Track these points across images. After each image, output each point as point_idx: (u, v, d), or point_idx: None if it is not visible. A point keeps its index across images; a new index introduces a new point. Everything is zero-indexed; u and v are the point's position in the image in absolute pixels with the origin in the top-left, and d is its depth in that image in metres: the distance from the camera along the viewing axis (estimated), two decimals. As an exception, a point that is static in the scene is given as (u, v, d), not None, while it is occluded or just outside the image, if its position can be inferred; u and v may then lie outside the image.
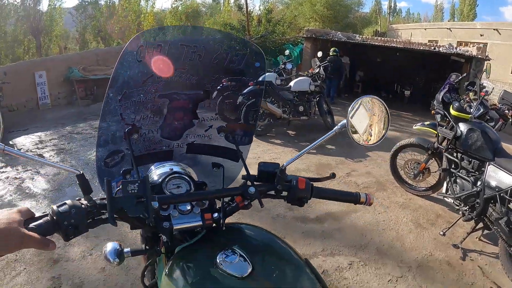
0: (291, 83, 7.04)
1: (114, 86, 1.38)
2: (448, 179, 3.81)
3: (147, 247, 1.20)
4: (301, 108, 6.74)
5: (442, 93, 7.48)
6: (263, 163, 1.25)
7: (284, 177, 1.22)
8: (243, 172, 1.27)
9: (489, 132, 3.58)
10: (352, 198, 1.29)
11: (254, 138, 5.88)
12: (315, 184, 1.28)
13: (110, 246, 1.05)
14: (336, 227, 3.70)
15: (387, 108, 1.34)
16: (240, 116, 6.36)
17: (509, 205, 3.12)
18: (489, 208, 3.28)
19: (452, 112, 3.84)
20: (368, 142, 1.37)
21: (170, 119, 1.51)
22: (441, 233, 3.65)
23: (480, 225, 3.47)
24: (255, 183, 1.19)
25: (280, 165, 1.24)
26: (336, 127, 1.31)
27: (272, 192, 1.24)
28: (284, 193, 1.23)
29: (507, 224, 3.05)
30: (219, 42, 1.51)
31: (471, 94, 7.51)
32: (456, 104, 3.88)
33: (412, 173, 4.49)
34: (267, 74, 7.98)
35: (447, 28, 24.07)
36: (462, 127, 3.68)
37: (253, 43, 1.56)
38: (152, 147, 1.51)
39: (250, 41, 9.00)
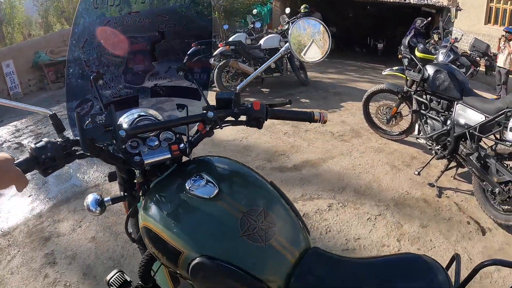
0: (261, 41, 6.97)
1: (75, 34, 1.41)
2: (419, 121, 3.92)
3: (125, 194, 1.24)
4: (273, 65, 6.70)
5: (408, 38, 7.57)
6: (220, 93, 1.29)
7: (239, 100, 1.27)
8: None
9: (455, 72, 3.66)
10: (306, 116, 1.36)
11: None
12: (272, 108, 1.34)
13: (91, 197, 1.13)
14: (313, 173, 3.78)
15: (325, 26, 1.39)
16: (213, 78, 6.33)
17: (479, 141, 3.26)
18: (460, 145, 3.41)
19: (418, 54, 3.90)
20: (313, 59, 1.42)
21: (131, 64, 1.55)
22: (416, 172, 3.77)
23: (453, 164, 3.61)
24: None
25: (237, 89, 1.32)
26: (281, 49, 1.38)
27: (231, 118, 1.29)
28: (243, 118, 1.29)
29: (478, 159, 3.18)
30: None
31: (435, 36, 7.59)
32: (421, 46, 3.94)
33: (384, 118, 4.58)
34: (236, 34, 7.88)
35: (420, -19, 23.82)
36: (429, 69, 3.74)
37: None
38: (117, 94, 1.55)
39: (218, 3, 8.79)
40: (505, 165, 3.10)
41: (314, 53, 1.41)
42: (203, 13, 1.68)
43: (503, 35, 8.90)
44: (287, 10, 8.77)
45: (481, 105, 3.26)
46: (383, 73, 4.59)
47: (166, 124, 1.21)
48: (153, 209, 1.07)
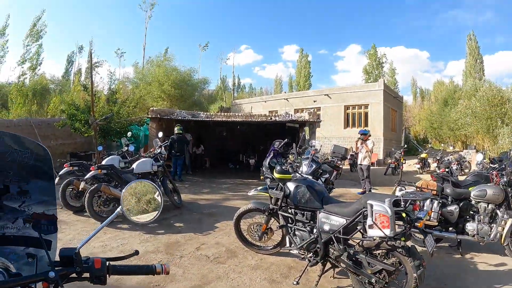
0: (134, 165, 6.96)
1: None
2: (288, 234, 4.15)
3: None
4: (146, 191, 6.60)
5: (268, 160, 8.36)
6: (63, 249, 1.29)
7: (80, 258, 1.26)
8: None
9: (314, 184, 4.11)
10: (149, 270, 1.37)
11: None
12: (117, 262, 1.36)
13: None
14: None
15: (156, 187, 1.50)
16: (84, 202, 5.99)
17: (345, 242, 3.59)
18: (330, 249, 3.67)
19: (276, 175, 4.23)
20: (146, 219, 1.50)
21: None
22: (295, 282, 3.82)
23: (329, 265, 3.83)
24: (56, 268, 1.21)
25: (77, 248, 1.29)
26: (112, 214, 1.43)
27: (75, 275, 1.27)
28: (87, 275, 1.28)
29: (348, 258, 3.47)
30: (10, 143, 1.58)
31: (291, 156, 8.48)
32: (278, 168, 4.28)
33: (256, 235, 4.73)
34: (110, 157, 7.80)
35: (285, 99, 27.02)
36: (290, 186, 4.11)
37: (36, 142, 1.63)
38: None
39: (95, 122, 8.69)
40: (375, 254, 3.44)
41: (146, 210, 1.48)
42: (46, 171, 1.70)
43: (359, 138, 10.23)
44: (160, 134, 9.12)
45: (341, 210, 3.68)
46: (249, 193, 4.86)
47: (4, 286, 1.12)
48: None
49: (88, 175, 6.40)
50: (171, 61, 28.27)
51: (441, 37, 72.48)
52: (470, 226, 4.93)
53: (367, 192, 9.84)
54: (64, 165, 6.84)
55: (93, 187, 6.16)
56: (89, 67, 12.70)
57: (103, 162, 7.31)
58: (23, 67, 27.65)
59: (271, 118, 13.10)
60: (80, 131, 12.49)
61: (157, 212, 1.49)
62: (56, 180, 1.51)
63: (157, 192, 1.51)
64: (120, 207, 1.41)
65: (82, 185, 6.36)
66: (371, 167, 10.90)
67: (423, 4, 68.89)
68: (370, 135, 10.48)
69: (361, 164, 10.21)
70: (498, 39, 62.21)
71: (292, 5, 78.29)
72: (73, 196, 6.74)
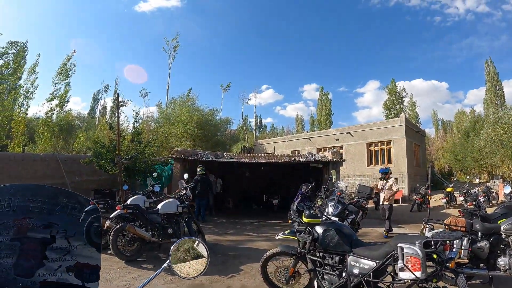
0: (159, 206, 6.98)
1: None
2: (316, 278, 4.05)
3: None
4: (170, 231, 6.65)
5: (296, 203, 8.34)
6: None
7: None
8: None
9: (342, 228, 4.05)
10: None
11: (124, 265, 5.55)
12: None
13: None
14: None
15: (204, 245, 1.53)
16: (109, 240, 6.02)
17: (375, 286, 3.48)
18: None
19: (304, 220, 4.21)
20: (192, 275, 1.53)
21: (21, 259, 1.63)
22: None
23: None
24: None
25: None
26: (160, 269, 1.51)
27: None
28: None
29: None
30: (61, 197, 1.80)
31: (318, 200, 8.42)
32: (307, 212, 4.27)
33: (283, 279, 4.62)
34: (135, 197, 7.87)
35: (307, 138, 27.00)
36: (318, 230, 4.06)
37: (85, 197, 1.87)
38: (6, 284, 1.58)
39: (121, 161, 8.87)
40: None
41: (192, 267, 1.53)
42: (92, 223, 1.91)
43: (380, 177, 9.98)
44: (185, 176, 9.21)
45: (370, 253, 3.59)
46: (277, 237, 4.79)
47: None
48: None
49: (113, 214, 6.46)
50: (194, 101, 28.80)
51: (459, 66, 71.46)
52: (502, 261, 4.71)
53: (384, 231, 9.64)
54: (90, 202, 6.80)
55: (119, 226, 6.19)
56: (115, 106, 13.08)
57: (129, 202, 7.38)
58: (51, 104, 28.67)
59: (294, 159, 13.06)
60: (105, 169, 12.69)
61: (204, 266, 1.51)
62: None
63: (203, 247, 1.54)
64: (168, 261, 1.44)
65: (107, 223, 6.41)
66: (396, 205, 10.65)
67: (437, 36, 68.59)
68: (391, 173, 10.29)
69: (383, 204, 9.99)
70: (515, 62, 61.25)
71: (310, 45, 79.61)
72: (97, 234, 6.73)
